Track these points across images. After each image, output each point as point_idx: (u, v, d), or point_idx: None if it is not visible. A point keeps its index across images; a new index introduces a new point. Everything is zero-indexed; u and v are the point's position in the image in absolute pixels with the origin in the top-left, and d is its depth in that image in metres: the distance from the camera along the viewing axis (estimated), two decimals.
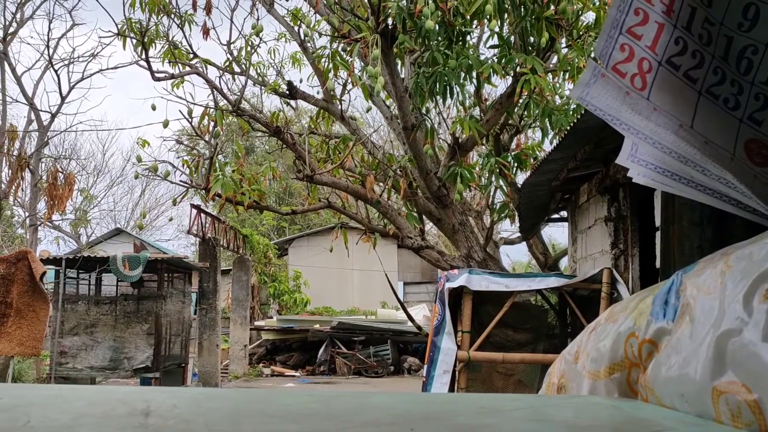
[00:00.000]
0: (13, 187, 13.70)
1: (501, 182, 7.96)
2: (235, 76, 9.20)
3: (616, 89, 1.51)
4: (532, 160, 8.05)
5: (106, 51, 41.33)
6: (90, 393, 1.38)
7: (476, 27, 7.82)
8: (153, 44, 8.45)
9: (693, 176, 1.55)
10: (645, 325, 1.34)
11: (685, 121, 1.49)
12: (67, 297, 11.51)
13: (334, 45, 7.96)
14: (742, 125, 1.52)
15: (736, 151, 1.50)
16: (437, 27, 6.32)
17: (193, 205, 13.28)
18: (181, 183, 8.39)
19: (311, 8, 8.44)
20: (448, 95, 6.64)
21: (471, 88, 7.70)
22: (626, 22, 1.50)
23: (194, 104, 8.51)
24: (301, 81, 8.75)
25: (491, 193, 10.25)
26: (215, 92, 8.23)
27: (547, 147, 7.65)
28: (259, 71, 9.56)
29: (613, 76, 1.51)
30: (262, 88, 9.27)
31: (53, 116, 16.49)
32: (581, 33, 7.25)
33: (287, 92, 8.44)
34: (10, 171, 13.43)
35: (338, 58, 7.76)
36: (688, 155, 1.49)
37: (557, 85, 7.91)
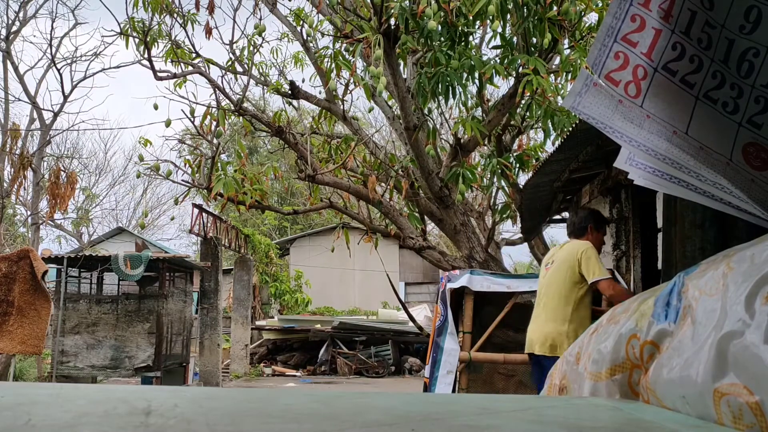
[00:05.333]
0: (16, 186, 13.70)
1: (503, 183, 7.96)
2: (238, 76, 9.21)
3: (608, 98, 1.51)
4: (534, 161, 8.05)
5: (109, 50, 41.36)
6: (91, 392, 1.38)
7: (479, 28, 7.82)
8: (155, 43, 8.46)
9: (689, 181, 1.55)
10: (646, 326, 1.34)
11: (679, 128, 1.49)
12: (69, 296, 11.53)
13: (337, 45, 7.96)
14: (740, 129, 1.52)
15: (733, 155, 1.49)
16: (440, 27, 6.32)
17: (194, 205, 13.29)
18: (183, 182, 8.39)
19: (314, 8, 8.44)
20: (451, 96, 6.64)
21: (473, 89, 7.70)
22: (622, 30, 1.49)
23: (196, 104, 8.52)
24: (303, 81, 8.80)
25: (493, 194, 10.25)
26: (217, 92, 8.23)
27: (549, 148, 7.65)
28: (261, 71, 9.57)
29: (605, 85, 1.51)
30: (265, 87, 9.28)
31: (55, 115, 16.49)
32: (584, 34, 7.25)
33: (289, 92, 8.44)
34: (13, 169, 13.43)
35: (341, 58, 7.76)
36: (682, 161, 1.49)
37: (559, 86, 7.91)
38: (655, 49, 1.50)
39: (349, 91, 8.43)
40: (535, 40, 6.77)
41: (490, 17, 6.04)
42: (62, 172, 14.05)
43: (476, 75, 7.06)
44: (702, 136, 1.49)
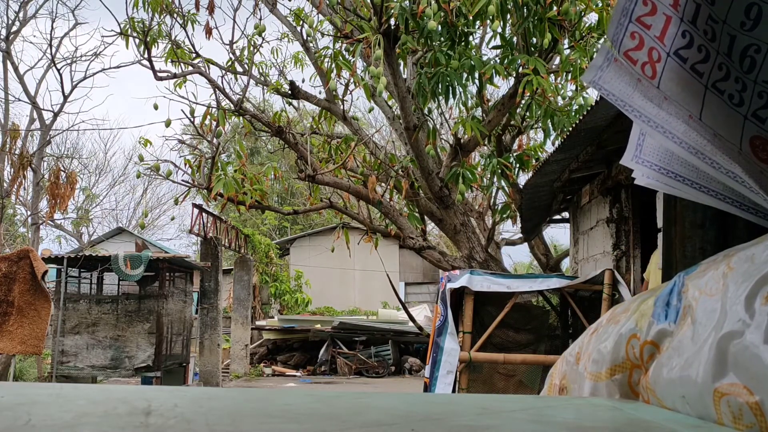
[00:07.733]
0: (16, 186, 13.71)
1: (503, 183, 7.96)
2: (238, 76, 9.21)
3: (628, 75, 1.49)
4: (534, 161, 8.05)
5: (109, 50, 41.39)
6: (91, 392, 1.38)
7: (479, 28, 7.82)
8: (155, 43, 8.46)
9: (699, 172, 1.54)
10: (647, 326, 1.34)
11: (693, 113, 1.48)
12: (69, 296, 11.53)
13: (337, 45, 7.96)
14: (746, 122, 1.51)
15: (742, 146, 1.49)
16: (440, 27, 6.31)
17: (194, 205, 13.29)
18: (183, 182, 8.39)
19: (314, 8, 8.44)
20: (451, 96, 6.64)
21: (473, 89, 7.70)
22: (635, 11, 1.48)
23: (196, 104, 8.51)
24: (303, 81, 8.81)
25: (493, 194, 10.25)
26: (217, 92, 8.23)
27: (549, 148, 7.65)
28: (261, 71, 9.57)
29: (625, 62, 1.49)
30: (265, 87, 9.28)
31: (55, 115, 16.49)
32: (584, 34, 7.24)
33: (289, 92, 8.44)
34: (13, 170, 13.43)
35: (341, 58, 7.75)
36: (698, 146, 1.48)
37: (559, 86, 7.91)
38: (667, 35, 1.49)
39: (349, 91, 8.44)
40: (535, 40, 6.77)
41: (490, 17, 6.04)
42: (62, 172, 14.05)
43: (476, 75, 7.05)
44: (714, 124, 1.49)
